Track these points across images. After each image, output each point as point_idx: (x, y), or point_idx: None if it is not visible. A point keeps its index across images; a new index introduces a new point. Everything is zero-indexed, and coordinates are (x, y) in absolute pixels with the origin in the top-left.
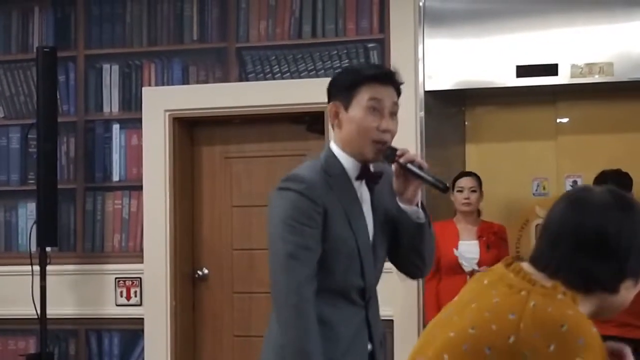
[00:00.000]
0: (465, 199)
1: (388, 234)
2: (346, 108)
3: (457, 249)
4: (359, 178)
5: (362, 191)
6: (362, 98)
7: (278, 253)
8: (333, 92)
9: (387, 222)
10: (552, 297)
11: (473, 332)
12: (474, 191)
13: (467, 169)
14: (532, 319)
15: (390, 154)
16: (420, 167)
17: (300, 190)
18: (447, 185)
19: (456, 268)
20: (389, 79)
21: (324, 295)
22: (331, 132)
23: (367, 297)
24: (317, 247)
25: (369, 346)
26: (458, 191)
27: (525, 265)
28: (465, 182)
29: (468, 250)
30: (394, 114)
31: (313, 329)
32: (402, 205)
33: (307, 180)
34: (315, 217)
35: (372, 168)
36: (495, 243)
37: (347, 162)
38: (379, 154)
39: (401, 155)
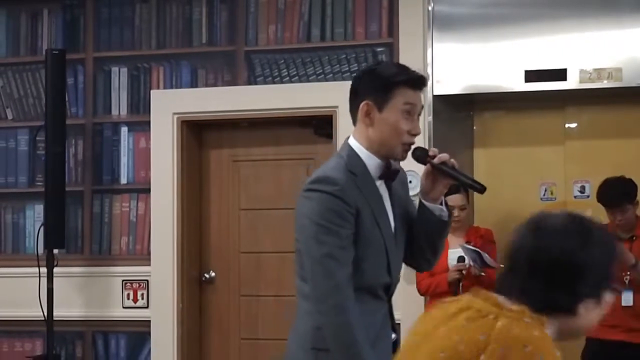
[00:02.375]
0: (456, 216)
1: (406, 230)
2: (380, 109)
3: (447, 258)
4: (381, 177)
5: (382, 190)
6: (398, 101)
7: (314, 255)
8: (366, 91)
9: (405, 218)
10: (519, 320)
11: (443, 355)
12: (463, 209)
13: (475, 174)
14: (498, 339)
15: (422, 154)
16: (453, 168)
17: (332, 191)
18: (484, 186)
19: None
20: (422, 84)
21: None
22: (340, 136)
23: (391, 292)
24: (352, 247)
25: (393, 335)
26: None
27: (494, 294)
28: (455, 201)
29: (454, 258)
30: (419, 115)
31: (357, 322)
32: (427, 203)
33: (339, 182)
34: (349, 218)
35: (392, 165)
36: (482, 247)
37: (370, 160)
38: (404, 155)
39: (433, 156)
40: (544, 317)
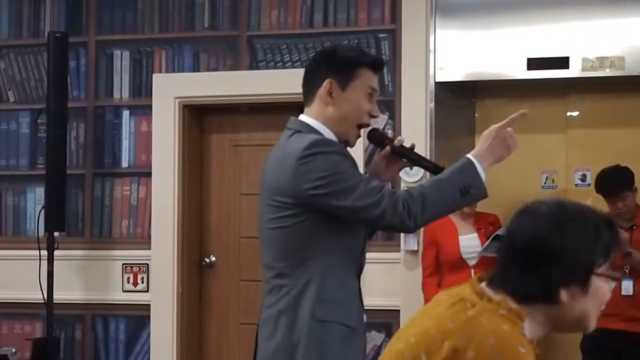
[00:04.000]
0: None
1: None
2: (343, 88)
3: (459, 244)
4: None
5: None
6: (363, 83)
7: (351, 204)
8: (329, 70)
9: None
10: (494, 312)
11: (414, 339)
12: None
13: None
14: (464, 328)
15: (380, 136)
16: (412, 150)
17: (337, 150)
18: (443, 167)
19: (459, 263)
20: (382, 68)
21: (345, 265)
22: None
23: (359, 273)
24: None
25: (364, 317)
26: None
27: (482, 284)
28: None
29: (469, 244)
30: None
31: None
32: None
33: (334, 143)
34: (357, 169)
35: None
36: (493, 233)
37: (331, 137)
38: (356, 139)
39: (393, 139)
40: (523, 310)
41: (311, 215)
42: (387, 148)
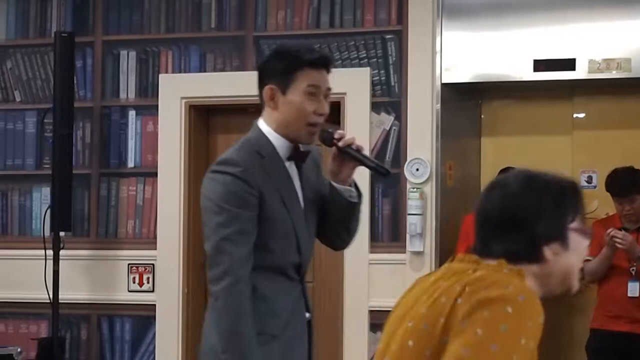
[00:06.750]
0: None
1: (317, 211)
2: (283, 91)
3: None
4: (290, 158)
5: (292, 170)
6: (301, 83)
7: (214, 237)
8: (268, 75)
9: (316, 199)
10: (498, 271)
11: (426, 311)
12: None
13: (483, 163)
14: (475, 282)
15: (328, 137)
16: (358, 151)
17: (235, 173)
18: (389, 170)
19: None
20: (325, 65)
21: (263, 273)
22: (348, 122)
23: (302, 272)
24: (253, 230)
25: (307, 315)
26: None
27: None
28: None
29: None
30: (327, 97)
31: (247, 309)
32: (336, 185)
33: (242, 164)
34: (251, 200)
35: (301, 148)
36: None
37: (279, 142)
38: (312, 137)
39: (339, 139)
40: (522, 269)
41: None
42: (334, 148)
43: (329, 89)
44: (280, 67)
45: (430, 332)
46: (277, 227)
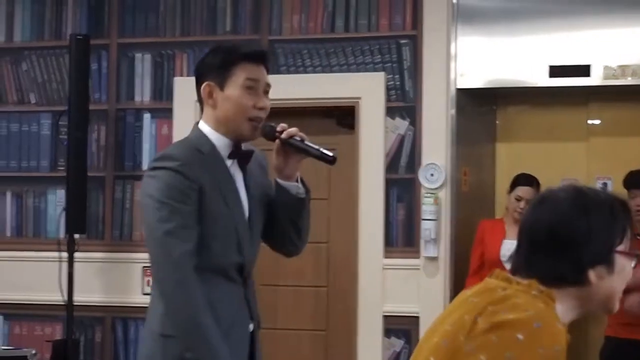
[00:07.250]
0: (522, 208)
1: (263, 211)
2: (221, 87)
3: (500, 247)
4: (230, 157)
5: (234, 170)
6: (239, 78)
7: (156, 233)
8: (205, 73)
9: (262, 199)
10: (526, 292)
11: (450, 328)
12: None
13: (498, 169)
14: (498, 302)
15: (270, 130)
16: (302, 141)
17: (174, 167)
18: (334, 156)
19: (497, 266)
20: (262, 59)
21: (203, 274)
22: (362, 127)
23: (245, 274)
24: (195, 224)
25: (250, 326)
26: (516, 199)
27: (507, 273)
28: (525, 193)
29: (510, 249)
30: (266, 93)
31: (201, 302)
32: (281, 181)
33: (181, 158)
34: (191, 194)
35: (242, 147)
36: None
37: (219, 141)
38: (254, 132)
39: (282, 132)
40: (553, 291)
41: None
42: (278, 142)
43: (269, 84)
44: (217, 62)
45: (449, 349)
46: (218, 224)
